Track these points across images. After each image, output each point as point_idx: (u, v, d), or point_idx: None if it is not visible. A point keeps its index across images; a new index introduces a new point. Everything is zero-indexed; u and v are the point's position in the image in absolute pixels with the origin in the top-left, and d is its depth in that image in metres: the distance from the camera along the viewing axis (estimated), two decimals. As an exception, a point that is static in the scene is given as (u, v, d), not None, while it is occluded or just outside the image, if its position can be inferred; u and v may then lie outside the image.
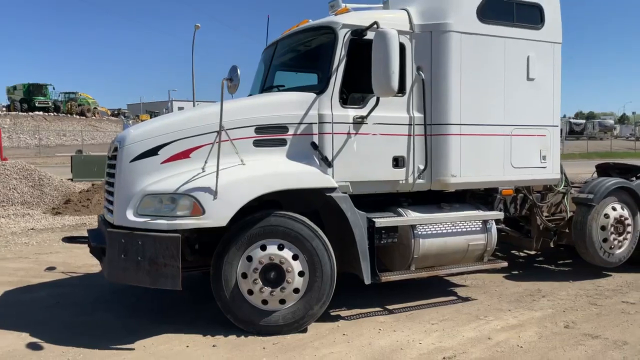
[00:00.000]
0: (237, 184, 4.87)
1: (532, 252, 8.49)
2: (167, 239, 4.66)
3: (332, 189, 5.32)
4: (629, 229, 7.23)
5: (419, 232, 5.83)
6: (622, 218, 7.18)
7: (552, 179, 6.79)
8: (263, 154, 5.25)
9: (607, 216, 7.13)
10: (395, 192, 5.97)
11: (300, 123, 5.38)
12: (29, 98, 44.96)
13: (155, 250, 4.68)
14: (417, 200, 6.16)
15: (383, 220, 5.59)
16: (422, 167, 5.89)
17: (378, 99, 5.52)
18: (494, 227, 6.30)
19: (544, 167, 6.63)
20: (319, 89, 5.51)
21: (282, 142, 5.33)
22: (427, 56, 5.90)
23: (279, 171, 5.14)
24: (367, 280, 5.39)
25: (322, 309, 5.17)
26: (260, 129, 5.27)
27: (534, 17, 6.45)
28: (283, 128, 5.34)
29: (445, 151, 5.94)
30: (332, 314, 5.70)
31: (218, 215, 4.77)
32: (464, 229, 6.12)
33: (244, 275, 5.01)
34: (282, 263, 5.02)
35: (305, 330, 5.16)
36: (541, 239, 7.52)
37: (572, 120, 73.38)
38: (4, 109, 45.77)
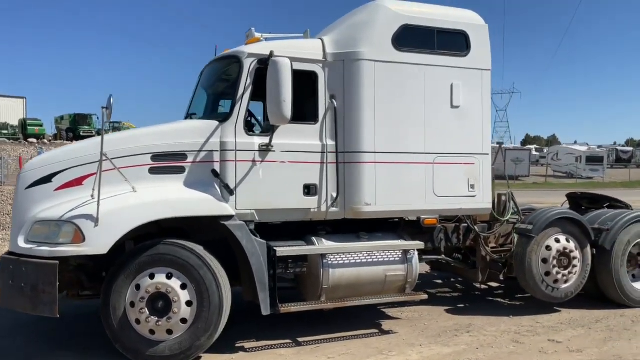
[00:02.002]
0: (120, 211, 4.89)
1: (495, 284, 8.16)
2: (46, 266, 4.70)
3: (228, 217, 5.27)
4: (576, 262, 6.86)
5: (329, 262, 5.69)
6: (567, 250, 6.82)
7: (482, 208, 6.54)
8: (160, 182, 5.27)
9: (549, 248, 6.80)
10: (309, 220, 5.88)
11: (200, 151, 5.39)
12: (74, 127, 47.11)
13: (36, 276, 4.72)
14: (347, 229, 6.05)
15: (285, 250, 5.49)
16: (335, 195, 5.79)
17: (275, 127, 5.49)
18: (415, 258, 6.09)
19: (473, 196, 6.40)
20: (223, 116, 5.53)
21: (180, 170, 5.35)
22: (340, 85, 5.86)
23: (169, 199, 5.15)
24: (265, 311, 5.28)
25: (210, 341, 5.07)
26: (157, 157, 5.31)
27: (458, 44, 6.34)
28: (182, 156, 5.36)
29: (359, 179, 5.83)
30: (236, 345, 5.59)
31: (98, 243, 4.78)
32: (381, 259, 5.95)
33: (132, 304, 4.97)
34: (168, 292, 4.97)
35: (196, 362, 5.07)
36: (487, 271, 7.23)
37: (618, 148, 70.82)
38: (51, 138, 47.93)
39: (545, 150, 68.01)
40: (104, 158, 4.83)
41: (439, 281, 8.95)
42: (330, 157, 5.80)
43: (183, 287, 5.03)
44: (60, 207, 4.94)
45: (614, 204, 8.34)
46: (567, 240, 6.88)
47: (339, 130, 5.83)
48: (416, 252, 6.14)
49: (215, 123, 5.49)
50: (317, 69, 5.82)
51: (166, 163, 5.32)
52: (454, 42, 6.32)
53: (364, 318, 6.54)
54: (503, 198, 7.43)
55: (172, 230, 5.41)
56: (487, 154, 6.51)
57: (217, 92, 6.10)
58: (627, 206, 8.24)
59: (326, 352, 5.40)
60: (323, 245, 5.76)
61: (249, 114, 6.08)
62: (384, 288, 5.99)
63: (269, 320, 5.77)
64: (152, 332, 4.99)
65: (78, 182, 5.11)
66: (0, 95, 53.77)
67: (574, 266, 6.85)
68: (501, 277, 7.44)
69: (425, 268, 8.83)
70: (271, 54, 5.27)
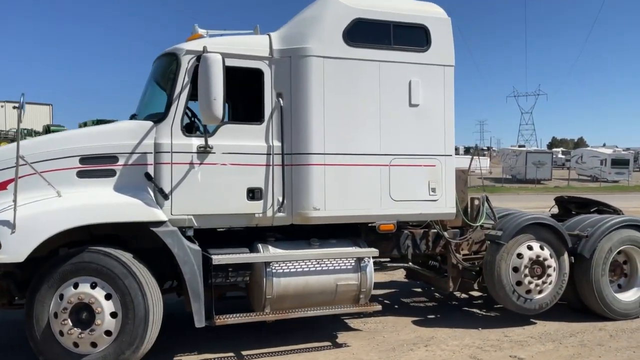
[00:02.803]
0: (38, 217, 4.64)
1: (477, 294, 7.69)
2: None
3: (159, 223, 4.98)
4: (551, 271, 6.38)
5: (273, 271, 5.36)
6: (541, 258, 6.35)
7: (445, 213, 6.13)
8: (88, 186, 5.01)
9: (520, 256, 6.35)
10: (256, 226, 5.56)
11: (132, 153, 5.12)
12: (97, 132, 48.00)
13: None
14: (304, 235, 5.71)
15: (222, 257, 5.17)
16: (282, 199, 5.46)
17: (216, 128, 5.21)
18: (369, 266, 5.72)
19: (434, 200, 6.00)
20: (159, 117, 5.26)
21: (110, 173, 5.09)
22: (287, 83, 5.54)
23: (93, 204, 4.88)
24: (198, 323, 4.97)
25: (135, 355, 4.76)
26: (85, 159, 5.06)
27: (417, 39, 5.96)
28: (112, 158, 5.10)
29: (306, 183, 5.49)
30: (174, 358, 5.29)
31: (14, 250, 4.52)
32: (331, 268, 5.59)
33: (56, 315, 4.71)
34: (92, 303, 4.70)
35: (123, 376, 4.77)
36: (459, 280, 6.81)
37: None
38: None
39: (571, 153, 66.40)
40: (21, 162, 4.59)
41: (418, 289, 8.52)
42: (277, 159, 5.48)
43: (107, 297, 4.75)
44: None
45: (603, 208, 7.84)
46: (541, 248, 6.41)
47: (286, 130, 5.51)
48: (371, 260, 5.77)
49: (149, 124, 5.22)
50: (262, 66, 5.51)
51: (95, 166, 5.07)
52: (412, 37, 5.94)
53: (323, 329, 6.19)
54: (476, 202, 7.01)
55: (109, 237, 5.15)
56: (450, 155, 6.10)
57: (156, 91, 5.82)
58: (615, 211, 7.72)
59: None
60: (268, 252, 5.43)
61: (192, 114, 5.82)
62: (336, 298, 5.62)
63: (217, 330, 5.47)
64: (75, 344, 4.71)
65: (2, 186, 4.89)
66: (27, 102, 54.68)
67: (549, 275, 6.37)
68: (475, 287, 7.02)
69: (401, 276, 8.44)
70: (204, 50, 4.98)
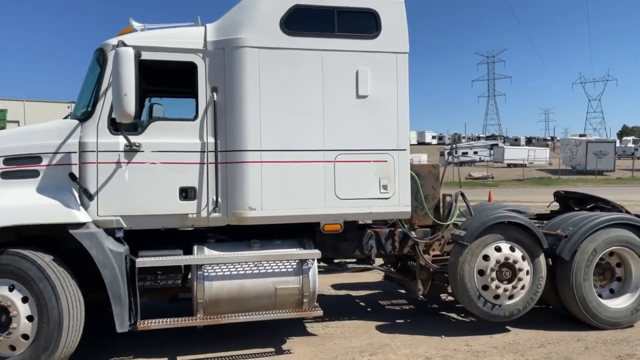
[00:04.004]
0: None
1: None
2: None
3: (79, 225, 4.84)
4: (523, 274, 5.81)
5: (205, 274, 5.12)
6: (510, 261, 5.79)
7: (399, 212, 5.68)
8: (11, 187, 4.92)
9: (486, 258, 5.81)
10: (191, 227, 5.35)
11: (56, 152, 5.00)
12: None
13: None
14: (248, 236, 5.46)
15: (146, 260, 4.98)
16: (217, 199, 5.20)
17: (145, 125, 5.05)
18: (313, 269, 5.38)
19: (386, 198, 5.57)
20: (85, 115, 5.11)
21: (34, 174, 4.98)
22: (221, 76, 5.26)
23: (8, 206, 4.77)
24: (120, 328, 4.80)
25: (50, 358, 4.65)
26: (9, 160, 4.97)
27: (366, 25, 5.53)
28: (36, 158, 4.99)
29: (242, 181, 5.21)
30: (106, 362, 5.17)
31: None
32: (270, 271, 5.30)
33: (-24, 317, 4.67)
34: (8, 306, 4.62)
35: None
36: (429, 282, 6.33)
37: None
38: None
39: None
40: None
41: (403, 291, 8.07)
42: (212, 157, 5.22)
43: (24, 300, 4.66)
44: None
45: (601, 205, 7.12)
46: (512, 249, 5.85)
47: (220, 126, 5.24)
48: (315, 263, 5.42)
49: (75, 122, 5.09)
50: (196, 59, 5.26)
51: (18, 167, 4.97)
52: (359, 23, 5.53)
53: (276, 334, 5.91)
54: (448, 199, 6.52)
55: (43, 239, 5.05)
56: (404, 150, 5.65)
57: (87, 88, 5.67)
58: (615, 207, 6.99)
59: (189, 375, 4.85)
60: (201, 254, 5.20)
61: None
62: (277, 303, 5.32)
63: (160, 334, 5.27)
64: (-6, 348, 4.66)
65: None
66: (48, 100, 56.83)
67: (520, 279, 5.80)
68: (449, 290, 6.52)
69: (378, 277, 8.02)
70: (119, 44, 4.77)
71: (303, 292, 5.33)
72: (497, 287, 5.75)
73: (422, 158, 48.29)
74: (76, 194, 4.97)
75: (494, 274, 5.76)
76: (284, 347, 5.57)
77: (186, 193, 5.18)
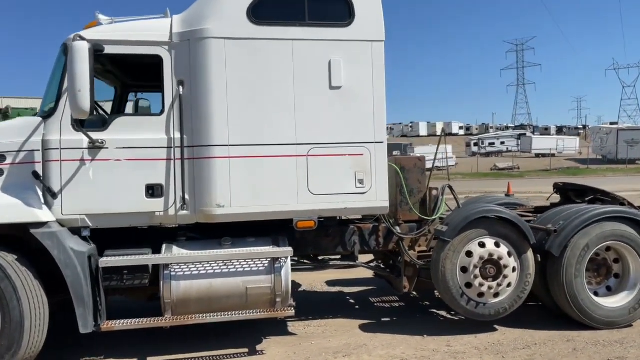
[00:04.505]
0: None
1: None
2: None
3: (41, 224, 4.76)
4: (508, 272, 5.52)
5: (172, 273, 5.00)
6: (494, 257, 5.51)
7: (376, 207, 5.45)
8: None
9: (469, 254, 5.55)
10: (159, 225, 5.23)
11: (20, 151, 4.92)
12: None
13: None
14: (221, 234, 5.33)
15: (109, 260, 4.88)
16: (184, 196, 5.07)
17: (108, 121, 4.95)
18: (285, 267, 5.21)
19: (362, 193, 5.35)
20: (49, 111, 5.02)
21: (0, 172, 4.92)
22: (187, 69, 5.10)
23: (-33, 205, 4.72)
24: (83, 329, 4.72)
25: (14, 359, 4.60)
26: (-25, 160, 4.92)
27: (338, 12, 5.29)
28: (0, 157, 4.93)
29: (209, 178, 5.05)
30: (76, 362, 5.11)
31: None
32: (240, 270, 5.15)
33: (-57, 317, 4.64)
34: (-29, 305, 4.58)
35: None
36: (415, 279, 6.09)
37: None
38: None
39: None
40: None
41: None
42: (179, 152, 5.08)
43: (-13, 300, 4.62)
44: None
45: (601, 197, 6.75)
46: (497, 245, 5.56)
47: (186, 121, 5.08)
48: (288, 261, 5.24)
49: (38, 120, 5.01)
50: (161, 52, 5.11)
51: (-17, 166, 4.92)
52: (331, 10, 5.29)
53: (255, 333, 5.77)
54: (434, 192, 6.26)
55: (10, 239, 5.00)
56: (382, 142, 5.40)
57: (52, 84, 5.56)
58: (615, 199, 6.62)
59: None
60: (169, 253, 5.08)
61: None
62: (249, 302, 5.16)
63: (132, 333, 5.18)
64: (-41, 347, 4.63)
65: None
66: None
67: (505, 277, 5.52)
68: (437, 287, 6.26)
69: (369, 274, 7.79)
70: (74, 38, 4.65)
71: (275, 291, 5.16)
72: (481, 285, 5.49)
73: (448, 149, 47.50)
74: (40, 193, 4.89)
75: (477, 271, 5.49)
76: (259, 347, 5.43)
77: (153, 190, 5.06)
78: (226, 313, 5.09)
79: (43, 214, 4.79)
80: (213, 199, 5.05)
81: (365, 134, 5.34)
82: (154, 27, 5.19)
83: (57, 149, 4.92)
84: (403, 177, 6.09)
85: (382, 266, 6.88)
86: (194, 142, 5.08)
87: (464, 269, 5.53)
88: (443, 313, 6.53)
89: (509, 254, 5.56)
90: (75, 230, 4.97)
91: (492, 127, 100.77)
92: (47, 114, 5.02)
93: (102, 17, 5.35)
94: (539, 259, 5.73)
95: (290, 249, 5.24)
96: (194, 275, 5.05)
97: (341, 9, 5.29)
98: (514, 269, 5.55)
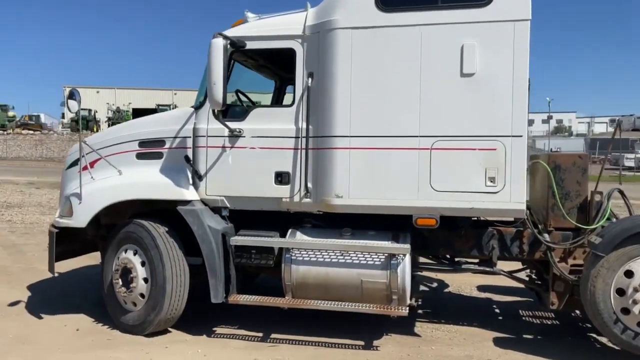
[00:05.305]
0: (96, 192, 5.61)
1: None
2: (50, 234, 5.78)
3: (186, 202, 5.39)
4: None
5: (292, 257, 5.22)
6: None
7: (509, 209, 4.82)
8: (143, 166, 5.73)
9: (629, 274, 4.57)
10: (287, 210, 5.48)
11: (175, 137, 5.64)
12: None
13: (49, 242, 5.85)
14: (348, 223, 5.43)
15: (239, 239, 5.29)
16: (308, 184, 5.23)
17: (247, 111, 5.42)
18: (403, 265, 5.00)
19: (493, 193, 4.80)
20: (199, 103, 5.63)
21: (159, 155, 5.71)
22: (316, 61, 5.22)
23: (133, 182, 5.57)
24: (214, 299, 5.23)
25: (157, 318, 5.30)
26: (143, 143, 5.79)
27: (475, -8, 4.80)
28: (161, 142, 5.71)
29: (330, 167, 5.11)
30: (213, 328, 5.69)
31: (80, 218, 5.60)
32: (356, 262, 5.11)
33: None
34: (131, 268, 5.44)
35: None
36: (567, 296, 5.29)
37: None
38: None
39: None
40: (90, 149, 5.66)
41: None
42: (306, 142, 5.25)
43: (142, 264, 5.43)
44: (73, 187, 5.93)
45: None
46: None
47: (312, 112, 5.20)
48: (406, 258, 5.02)
49: (191, 110, 5.65)
50: (295, 45, 5.31)
51: (148, 149, 5.76)
52: None
53: (378, 328, 5.66)
54: (597, 198, 5.30)
55: (168, 212, 5.79)
56: (520, 136, 4.76)
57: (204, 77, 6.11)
58: None
59: (279, 352, 5.02)
60: (292, 238, 5.30)
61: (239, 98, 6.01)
62: (364, 295, 5.11)
63: (259, 310, 5.59)
64: (124, 302, 5.55)
65: (91, 165, 6.00)
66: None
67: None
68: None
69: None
70: (214, 36, 5.10)
71: (391, 288, 5.00)
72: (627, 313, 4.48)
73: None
74: (189, 175, 5.54)
75: (638, 295, 4.50)
76: (376, 342, 5.33)
77: (281, 177, 5.31)
78: (340, 303, 5.11)
79: (188, 193, 5.43)
80: (332, 189, 5.09)
81: (501, 126, 4.78)
82: (290, 21, 5.41)
83: (204, 136, 5.49)
84: (556, 177, 5.29)
85: (534, 277, 6.09)
86: (318, 133, 5.18)
87: (621, 292, 4.58)
88: (604, 340, 5.51)
89: None
90: (217, 210, 5.53)
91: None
92: (198, 105, 5.64)
93: (249, 15, 5.76)
94: None
95: (408, 246, 5.00)
96: (312, 262, 5.18)
97: (479, -12, 4.79)
98: None
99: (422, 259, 5.89)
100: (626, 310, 4.57)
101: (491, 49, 4.77)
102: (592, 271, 4.67)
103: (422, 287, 7.59)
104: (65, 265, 7.08)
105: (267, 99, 7.09)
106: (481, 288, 7.46)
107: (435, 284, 7.79)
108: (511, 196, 4.78)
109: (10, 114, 59.47)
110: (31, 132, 52.43)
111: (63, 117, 60.23)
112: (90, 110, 52.30)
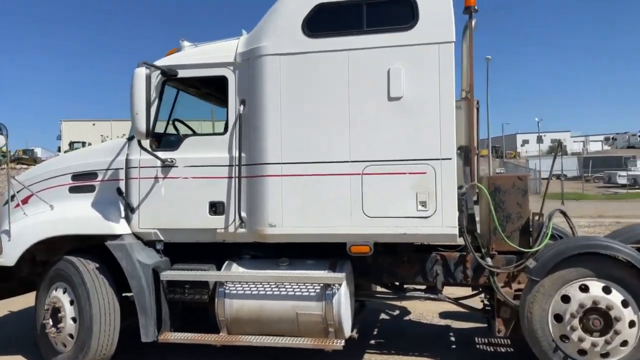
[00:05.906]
0: (24, 229, 5.44)
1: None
2: None
3: (116, 236, 5.22)
4: (620, 326, 4.24)
5: (226, 291, 5.03)
6: (602, 306, 4.27)
7: (440, 234, 4.67)
8: (76, 200, 5.57)
9: (566, 299, 4.40)
10: (223, 241, 5.31)
11: (108, 169, 5.50)
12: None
13: None
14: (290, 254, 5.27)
15: (169, 273, 5.11)
16: (242, 214, 5.08)
17: (180, 140, 5.31)
18: (339, 296, 4.81)
19: (425, 217, 4.66)
20: (131, 134, 5.51)
21: (92, 189, 5.55)
22: (246, 88, 5.13)
23: (63, 217, 5.39)
24: (144, 338, 5.02)
25: (85, 359, 5.08)
26: (75, 177, 5.65)
27: (400, 15, 4.74)
28: (94, 174, 5.57)
29: (262, 196, 4.97)
30: None
31: (8, 257, 5.42)
32: (290, 293, 4.92)
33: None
34: (60, 307, 5.23)
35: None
36: (513, 322, 5.11)
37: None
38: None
39: None
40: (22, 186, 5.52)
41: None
42: (238, 170, 5.11)
43: (71, 303, 5.23)
44: (5, 224, 5.74)
45: None
46: (606, 290, 4.31)
47: (244, 139, 5.09)
48: (342, 288, 4.84)
49: (124, 140, 5.53)
50: (227, 72, 5.23)
51: (81, 182, 5.61)
52: (392, 13, 4.78)
53: (316, 355, 5.48)
54: (538, 219, 5.17)
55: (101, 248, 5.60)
56: (450, 159, 4.65)
57: None
58: None
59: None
60: (227, 271, 5.12)
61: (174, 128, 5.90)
62: (300, 329, 4.90)
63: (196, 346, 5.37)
64: (55, 343, 5.32)
65: (25, 201, 5.84)
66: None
67: (617, 333, 4.24)
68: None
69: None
70: (139, 65, 5.00)
71: (327, 320, 4.80)
72: (581, 340, 4.31)
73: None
74: (122, 208, 5.38)
75: (575, 322, 4.33)
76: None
77: (215, 207, 5.16)
78: (275, 338, 4.91)
79: (119, 227, 5.26)
80: (265, 218, 4.94)
81: (429, 149, 4.67)
82: (221, 49, 5.33)
83: (137, 167, 5.35)
84: (496, 199, 5.17)
85: (486, 303, 5.91)
86: (250, 161, 5.05)
87: (558, 318, 4.41)
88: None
89: (625, 304, 4.26)
90: (151, 244, 5.35)
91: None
92: (131, 136, 5.51)
93: (185, 44, 5.68)
94: (674, 314, 4.27)
95: (342, 275, 4.82)
96: (246, 295, 4.99)
97: (403, 10, 4.74)
98: (631, 324, 4.23)
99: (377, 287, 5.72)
100: (565, 337, 4.39)
101: (417, 72, 4.69)
102: (529, 296, 4.51)
103: (382, 316, 7.46)
104: (5, 305, 6.82)
105: (220, 126, 7.00)
106: (443, 315, 7.25)
107: (397, 312, 7.59)
108: (443, 220, 4.64)
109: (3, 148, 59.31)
110: (25, 166, 52.38)
111: (59, 150, 60.36)
112: (84, 143, 52.54)
